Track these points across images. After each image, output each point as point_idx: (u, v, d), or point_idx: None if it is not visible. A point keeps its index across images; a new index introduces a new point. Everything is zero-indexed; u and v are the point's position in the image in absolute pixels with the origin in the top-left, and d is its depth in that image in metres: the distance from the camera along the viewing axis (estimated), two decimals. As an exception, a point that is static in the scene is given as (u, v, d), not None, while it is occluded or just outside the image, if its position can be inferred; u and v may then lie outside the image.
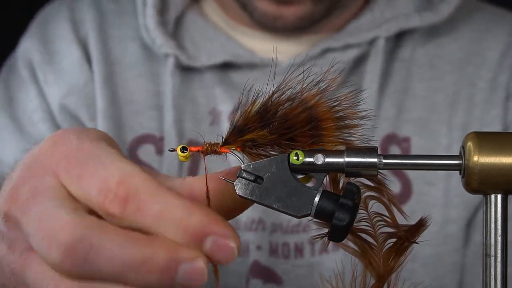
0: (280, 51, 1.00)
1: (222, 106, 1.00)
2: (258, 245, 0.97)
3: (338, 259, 0.95)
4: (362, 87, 0.97)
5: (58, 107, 1.02)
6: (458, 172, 0.94)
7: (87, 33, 1.05)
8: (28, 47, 1.07)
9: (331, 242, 0.95)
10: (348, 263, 0.86)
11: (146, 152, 1.00)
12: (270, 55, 1.00)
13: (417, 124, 1.00)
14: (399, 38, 1.03)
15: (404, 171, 0.99)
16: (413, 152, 0.99)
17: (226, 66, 1.02)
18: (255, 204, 0.95)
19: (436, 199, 0.98)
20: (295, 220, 0.97)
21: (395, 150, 0.99)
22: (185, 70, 1.02)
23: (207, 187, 0.56)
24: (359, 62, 1.01)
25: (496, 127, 0.99)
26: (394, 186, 0.98)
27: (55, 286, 0.48)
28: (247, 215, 0.97)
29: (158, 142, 1.00)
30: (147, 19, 1.01)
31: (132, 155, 1.00)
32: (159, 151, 1.00)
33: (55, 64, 1.04)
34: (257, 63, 1.01)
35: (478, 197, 0.98)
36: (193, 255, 0.47)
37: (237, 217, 0.94)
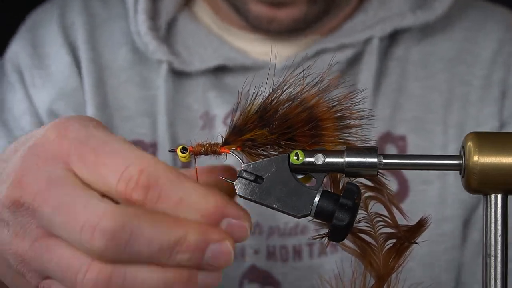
0: (274, 53, 1.00)
1: (216, 110, 1.00)
2: (256, 249, 0.97)
3: (337, 261, 0.94)
4: (357, 87, 0.97)
5: (46, 111, 1.01)
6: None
7: (76, 37, 1.04)
8: (17, 50, 1.06)
9: (330, 244, 0.96)
10: (347, 265, 0.86)
11: None
12: (264, 57, 1.00)
13: (413, 123, 1.00)
14: (393, 37, 1.02)
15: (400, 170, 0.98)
16: (410, 150, 0.99)
17: (219, 70, 1.01)
18: (251, 209, 0.96)
19: (432, 197, 0.98)
20: (292, 223, 0.97)
21: (391, 148, 0.99)
22: (178, 75, 1.01)
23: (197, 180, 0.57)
24: (354, 61, 1.01)
25: (492, 125, 0.99)
26: (391, 185, 0.98)
27: (88, 270, 0.50)
28: None
29: (148, 148, 1.00)
30: (139, 25, 1.00)
31: None
32: None
33: (44, 68, 1.04)
34: (251, 66, 1.00)
35: (474, 196, 0.98)
36: (221, 237, 0.51)
37: None
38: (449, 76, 1.01)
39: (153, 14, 1.02)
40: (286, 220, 0.97)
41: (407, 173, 0.99)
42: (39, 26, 1.07)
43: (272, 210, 0.95)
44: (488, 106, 1.00)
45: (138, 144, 0.99)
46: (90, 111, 1.00)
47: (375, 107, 0.98)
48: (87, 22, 1.05)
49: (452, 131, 0.99)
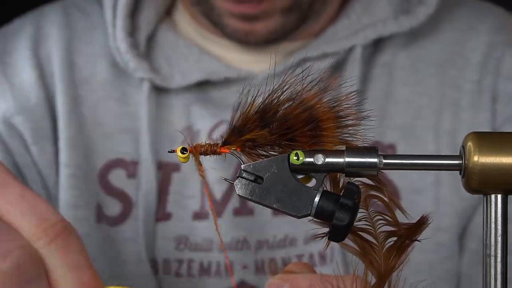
0: (256, 60, 1.00)
1: (200, 124, 0.99)
2: (244, 265, 0.97)
3: (327, 272, 0.95)
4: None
5: (2, 121, 0.99)
6: (447, 179, 0.94)
7: (50, 53, 1.02)
8: None
9: (320, 256, 0.96)
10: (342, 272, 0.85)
11: (118, 177, 0.99)
12: (247, 67, 1.00)
13: (402, 130, 0.98)
14: (378, 43, 1.01)
15: (392, 179, 0.97)
16: None
17: (203, 83, 1.00)
18: (238, 224, 0.96)
19: (425, 207, 0.97)
20: (281, 235, 0.97)
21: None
22: (160, 91, 1.00)
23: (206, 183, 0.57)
24: (337, 68, 1.00)
25: (485, 129, 0.98)
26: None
27: None
28: (231, 236, 0.97)
29: (129, 166, 0.99)
30: (117, 42, 0.99)
31: (103, 182, 0.99)
32: (131, 175, 0.99)
33: (8, 78, 1.02)
34: (234, 78, 0.99)
35: (470, 206, 0.98)
36: None
37: (223, 237, 0.95)
38: (440, 80, 1.00)
39: (132, 29, 1.00)
40: (274, 233, 0.97)
41: (398, 182, 0.98)
42: (12, 35, 1.05)
43: (260, 221, 0.95)
44: (481, 111, 0.98)
45: (118, 162, 0.99)
46: (67, 133, 0.98)
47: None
48: (65, 36, 1.03)
49: (444, 138, 0.98)
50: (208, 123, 0.98)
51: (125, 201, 0.99)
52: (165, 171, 0.98)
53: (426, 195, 0.97)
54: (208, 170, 0.96)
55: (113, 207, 0.99)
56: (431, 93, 1.00)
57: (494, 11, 1.06)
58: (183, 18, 1.05)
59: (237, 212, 0.97)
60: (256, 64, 0.99)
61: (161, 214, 0.98)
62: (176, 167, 0.98)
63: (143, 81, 0.98)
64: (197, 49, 1.01)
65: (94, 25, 1.04)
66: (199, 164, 0.56)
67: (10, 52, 1.03)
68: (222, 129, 0.98)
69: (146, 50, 1.01)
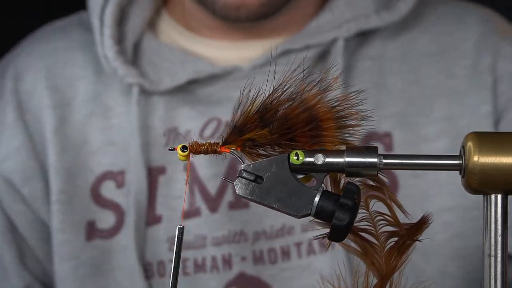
0: (241, 56, 1.01)
1: (189, 124, 1.00)
2: (242, 257, 0.97)
3: (327, 260, 0.95)
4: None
5: None
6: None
7: (32, 88, 1.02)
8: None
9: (318, 242, 0.96)
10: (336, 263, 0.86)
11: (108, 189, 1.00)
12: (231, 63, 1.00)
13: (396, 118, 0.99)
14: (366, 36, 1.02)
15: None
16: (396, 146, 0.99)
17: (188, 84, 1.01)
18: (234, 217, 0.96)
19: (426, 190, 0.98)
20: (279, 224, 0.97)
21: (378, 146, 0.98)
22: (148, 95, 1.01)
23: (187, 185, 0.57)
24: (320, 59, 1.01)
25: (484, 111, 0.98)
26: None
27: None
28: (228, 229, 0.98)
29: (117, 176, 1.00)
30: (105, 50, 1.00)
31: (95, 196, 1.00)
32: (120, 185, 1.00)
33: None
34: (220, 74, 1.00)
35: None
36: None
37: (218, 231, 0.95)
38: (433, 70, 1.01)
39: (119, 37, 1.02)
40: (271, 223, 0.97)
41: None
42: None
43: (256, 213, 0.95)
44: (478, 93, 0.99)
45: (107, 174, 1.01)
46: (53, 159, 1.00)
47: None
48: (45, 66, 1.03)
49: (441, 123, 0.99)
50: (198, 123, 0.99)
51: (117, 211, 1.00)
52: (151, 175, 1.00)
53: (426, 178, 0.98)
54: (201, 166, 0.98)
55: (108, 219, 1.01)
56: (423, 82, 1.01)
57: (478, 6, 1.08)
58: (168, 25, 1.06)
59: (232, 206, 0.98)
60: (240, 61, 1.00)
61: (151, 217, 0.99)
62: (161, 170, 1.00)
63: (131, 88, 1.00)
64: (181, 52, 1.03)
65: (73, 45, 1.05)
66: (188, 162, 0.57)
67: None
68: (213, 127, 0.99)
69: (133, 57, 1.03)
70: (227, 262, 0.97)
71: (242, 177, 0.55)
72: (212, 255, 0.97)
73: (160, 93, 1.00)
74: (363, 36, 1.02)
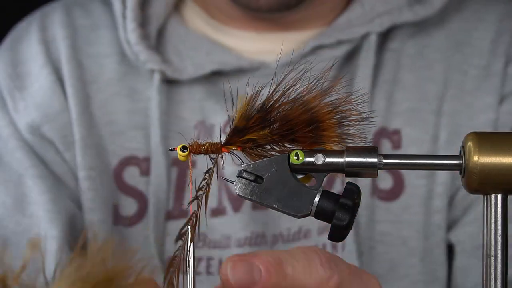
0: (269, 50, 0.98)
1: (214, 118, 0.98)
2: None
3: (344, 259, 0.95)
4: (355, 81, 0.96)
5: (31, 134, 0.97)
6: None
7: (59, 54, 1.00)
8: None
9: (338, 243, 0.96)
10: (352, 262, 0.85)
11: (131, 175, 0.98)
12: (258, 57, 0.98)
13: (407, 115, 0.99)
14: (389, 31, 1.01)
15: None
16: (404, 144, 0.98)
17: (214, 74, 0.99)
18: (256, 219, 0.95)
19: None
20: (295, 227, 0.96)
21: (386, 143, 0.98)
22: (171, 84, 0.98)
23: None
24: (351, 56, 0.99)
25: (488, 116, 0.98)
26: (386, 181, 0.97)
27: None
28: (251, 230, 0.96)
29: (141, 163, 0.98)
30: (128, 34, 0.97)
31: (118, 181, 0.98)
32: (144, 172, 0.98)
33: (26, 89, 0.99)
34: (246, 67, 0.98)
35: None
36: None
37: (241, 232, 0.94)
38: (446, 66, 1.00)
39: (143, 22, 0.99)
40: (288, 226, 0.96)
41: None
42: (20, 43, 1.03)
43: (274, 215, 0.94)
44: (485, 96, 0.99)
45: (131, 160, 0.98)
46: (78, 136, 0.96)
47: (372, 102, 0.98)
48: (69, 36, 1.01)
49: (444, 119, 0.99)
50: (223, 116, 0.97)
51: (140, 200, 0.98)
52: (181, 168, 0.98)
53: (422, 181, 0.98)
54: (228, 164, 0.96)
55: (129, 207, 0.98)
56: (436, 79, 1.00)
57: (500, 2, 1.06)
58: (193, 12, 1.03)
59: (256, 207, 0.97)
60: (268, 55, 0.98)
61: (177, 211, 0.97)
62: (192, 164, 0.98)
63: (153, 74, 0.97)
64: (207, 41, 1.00)
65: (97, 24, 1.03)
66: (190, 161, 0.57)
67: (23, 62, 1.01)
68: None
69: (157, 42, 1.00)
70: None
71: (242, 177, 0.55)
72: None
73: (187, 82, 0.98)
74: (386, 32, 1.01)
